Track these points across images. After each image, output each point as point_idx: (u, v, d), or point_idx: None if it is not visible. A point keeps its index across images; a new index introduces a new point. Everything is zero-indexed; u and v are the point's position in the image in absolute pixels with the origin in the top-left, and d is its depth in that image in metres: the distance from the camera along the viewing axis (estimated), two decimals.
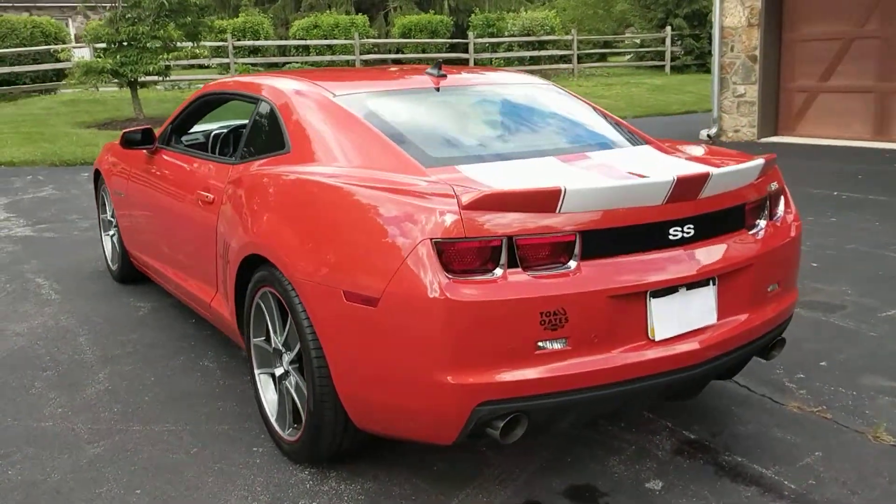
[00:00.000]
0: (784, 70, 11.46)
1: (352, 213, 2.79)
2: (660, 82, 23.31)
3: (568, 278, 2.55)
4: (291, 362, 3.11)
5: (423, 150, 3.07)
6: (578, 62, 25.38)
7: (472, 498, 2.93)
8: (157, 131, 4.71)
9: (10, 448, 3.35)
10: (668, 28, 26.22)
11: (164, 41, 14.35)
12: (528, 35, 24.58)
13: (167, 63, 14.89)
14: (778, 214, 3.22)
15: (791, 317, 3.30)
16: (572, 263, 2.59)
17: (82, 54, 19.25)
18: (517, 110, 3.64)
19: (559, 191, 2.48)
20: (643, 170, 2.95)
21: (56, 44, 19.93)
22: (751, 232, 3.02)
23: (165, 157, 4.46)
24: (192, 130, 4.95)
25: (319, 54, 23.46)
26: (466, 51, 23.86)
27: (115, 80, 14.40)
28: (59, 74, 20.05)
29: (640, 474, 3.08)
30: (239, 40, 22.75)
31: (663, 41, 26.64)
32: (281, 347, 3.16)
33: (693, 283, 2.78)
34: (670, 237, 2.73)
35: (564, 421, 2.74)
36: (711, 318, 2.84)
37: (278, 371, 3.22)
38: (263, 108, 3.67)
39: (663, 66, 26.56)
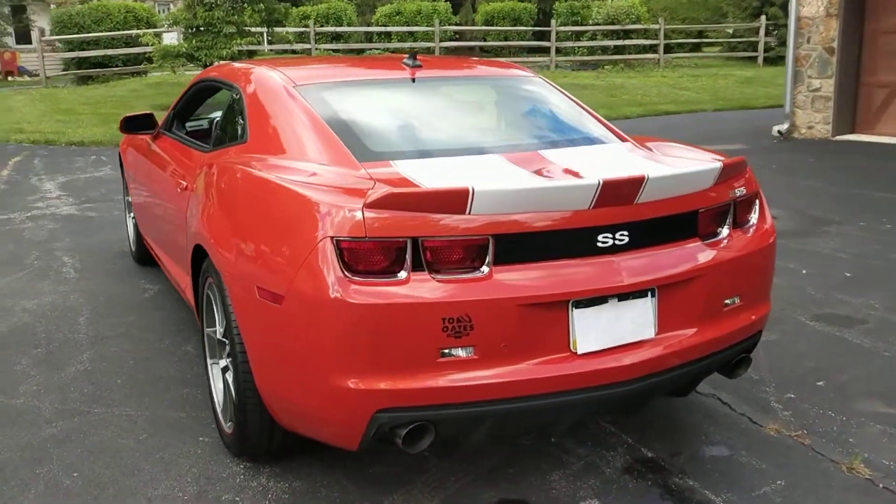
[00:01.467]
0: (864, 63, 10.77)
1: (268, 207, 2.73)
2: (750, 74, 22.36)
3: (475, 284, 2.42)
4: (228, 355, 3.08)
5: (365, 143, 2.98)
6: (667, 52, 24.62)
7: None
8: (163, 117, 4.77)
9: None
10: (763, 17, 25.12)
11: (238, 26, 14.65)
12: (613, 24, 23.98)
13: (241, 48, 15.18)
14: (749, 222, 2.99)
15: (759, 333, 3.06)
16: (485, 268, 2.45)
17: (172, 38, 19.90)
18: (484, 105, 3.50)
19: (466, 191, 2.35)
20: (587, 171, 2.77)
21: (147, 28, 20.66)
22: (707, 240, 2.80)
23: (163, 143, 4.51)
24: (201, 116, 5.00)
25: (401, 41, 23.53)
26: (548, 39, 23.47)
27: (191, 64, 14.79)
28: (150, 58, 20.78)
29: (578, 492, 2.92)
30: (322, 26, 23.04)
31: (757, 31, 25.55)
32: (224, 339, 3.14)
33: (626, 294, 2.60)
34: (599, 244, 2.55)
35: (479, 433, 2.61)
36: (649, 333, 2.65)
37: (221, 363, 3.20)
38: (234, 97, 3.66)
39: (756, 58, 25.49)
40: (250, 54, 20.74)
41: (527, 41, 24.63)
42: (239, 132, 3.45)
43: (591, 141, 3.27)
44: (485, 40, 25.14)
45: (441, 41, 23.01)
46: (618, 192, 2.51)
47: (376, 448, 2.64)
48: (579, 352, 2.55)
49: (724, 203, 2.85)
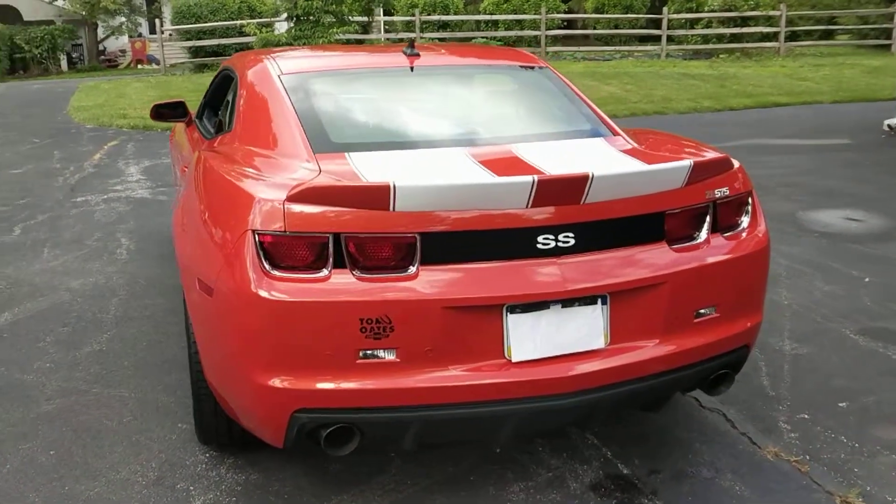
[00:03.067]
0: None
1: (211, 198, 2.71)
2: (879, 64, 20.83)
3: (396, 284, 2.31)
4: None
5: (330, 135, 2.90)
6: (791, 40, 23.29)
7: None
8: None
9: None
10: None
11: (336, 15, 14.86)
12: (730, 10, 22.89)
13: (339, 36, 15.40)
14: (736, 226, 2.73)
15: (745, 348, 2.80)
16: (412, 268, 2.33)
17: (283, 28, 20.45)
18: (472, 96, 3.35)
19: (388, 187, 2.23)
20: (548, 168, 2.59)
21: (260, 18, 21.30)
22: (676, 245, 2.58)
23: (191, 131, 4.59)
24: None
25: (508, 29, 23.29)
26: (660, 27, 22.67)
27: None
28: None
29: None
30: (429, 15, 23.10)
31: (891, 18, 23.79)
32: None
33: (571, 301, 2.42)
34: (539, 246, 2.38)
35: (410, 439, 2.49)
36: (598, 342, 2.46)
37: None
38: (233, 86, 3.66)
39: (889, 46, 23.74)
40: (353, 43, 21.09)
41: (638, 29, 23.86)
42: (228, 121, 3.45)
43: (574, 135, 3.07)
44: (595, 28, 24.54)
45: (548, 29, 22.62)
46: (558, 190, 2.33)
47: (311, 448, 2.58)
48: (514, 359, 2.39)
49: (698, 205, 2.61)
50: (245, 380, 2.41)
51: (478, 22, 24.09)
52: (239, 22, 18.94)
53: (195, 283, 2.63)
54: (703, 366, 2.66)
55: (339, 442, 2.41)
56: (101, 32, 29.00)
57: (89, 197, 7.63)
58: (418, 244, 2.32)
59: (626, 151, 2.89)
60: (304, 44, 14.71)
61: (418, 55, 3.46)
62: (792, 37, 23.53)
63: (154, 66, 26.23)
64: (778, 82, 17.65)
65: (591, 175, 2.31)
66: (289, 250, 2.32)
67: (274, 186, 2.42)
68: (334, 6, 14.69)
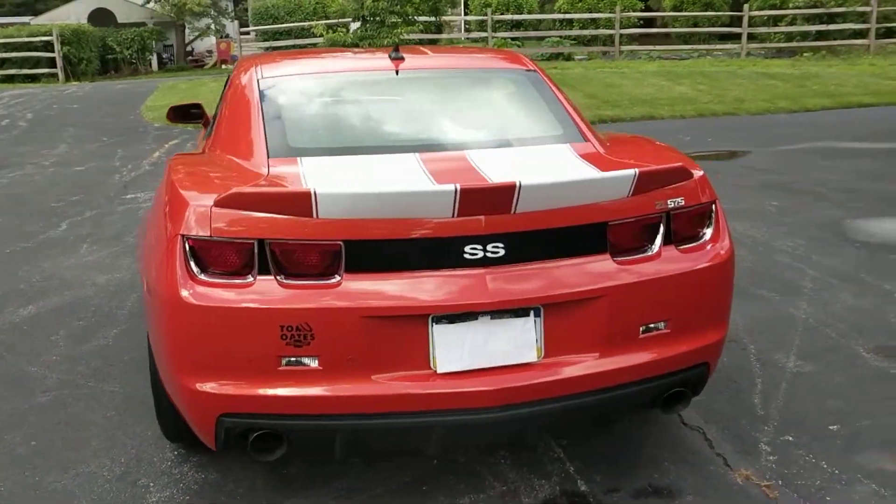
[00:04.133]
0: None
1: (160, 202, 2.76)
2: None
3: (318, 292, 2.30)
4: None
5: (289, 139, 2.92)
6: (885, 37, 22.20)
7: None
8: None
9: None
10: None
11: (402, 16, 14.96)
12: (816, 6, 21.97)
13: (405, 36, 15.48)
14: (696, 237, 2.62)
15: (703, 365, 2.67)
16: (336, 276, 2.32)
17: (356, 28, 20.70)
18: (444, 101, 3.30)
19: (309, 194, 2.22)
20: (495, 175, 2.53)
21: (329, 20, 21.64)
22: (620, 256, 2.48)
23: (203, 133, 4.69)
24: None
25: (583, 28, 22.98)
26: (741, 24, 21.96)
27: None
28: None
29: None
30: (502, 14, 23.00)
31: None
32: None
33: (501, 312, 2.36)
34: (466, 256, 2.33)
35: (339, 448, 2.48)
36: (530, 356, 2.40)
37: None
38: (223, 90, 3.72)
39: None
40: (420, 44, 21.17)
41: (718, 27, 23.16)
42: (212, 125, 3.51)
43: (540, 141, 2.99)
44: (673, 26, 23.95)
45: (624, 28, 22.21)
46: (484, 200, 2.28)
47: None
48: (440, 370, 2.35)
49: (646, 216, 2.50)
50: (177, 382, 2.44)
51: (552, 21, 23.84)
52: (308, 23, 19.26)
53: (143, 284, 2.69)
54: (653, 383, 2.55)
55: (266, 447, 2.42)
56: (188, 34, 30.00)
57: (139, 195, 7.90)
58: (343, 252, 2.31)
59: (586, 158, 2.80)
60: (370, 44, 14.87)
61: (402, 59, 3.44)
62: (886, 33, 22.43)
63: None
64: (863, 82, 16.85)
65: (517, 184, 2.25)
66: (215, 255, 2.34)
67: (210, 192, 2.44)
68: (399, 7, 14.78)
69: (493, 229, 2.32)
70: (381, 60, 3.45)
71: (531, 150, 2.90)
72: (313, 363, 2.31)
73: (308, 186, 2.24)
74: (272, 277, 2.32)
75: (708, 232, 2.65)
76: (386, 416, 2.35)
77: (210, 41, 31.18)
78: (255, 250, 2.31)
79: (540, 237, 2.38)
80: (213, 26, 29.58)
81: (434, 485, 2.92)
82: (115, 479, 3.01)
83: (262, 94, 3.16)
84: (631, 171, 2.40)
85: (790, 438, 3.16)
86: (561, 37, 22.59)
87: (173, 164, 2.93)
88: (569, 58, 21.98)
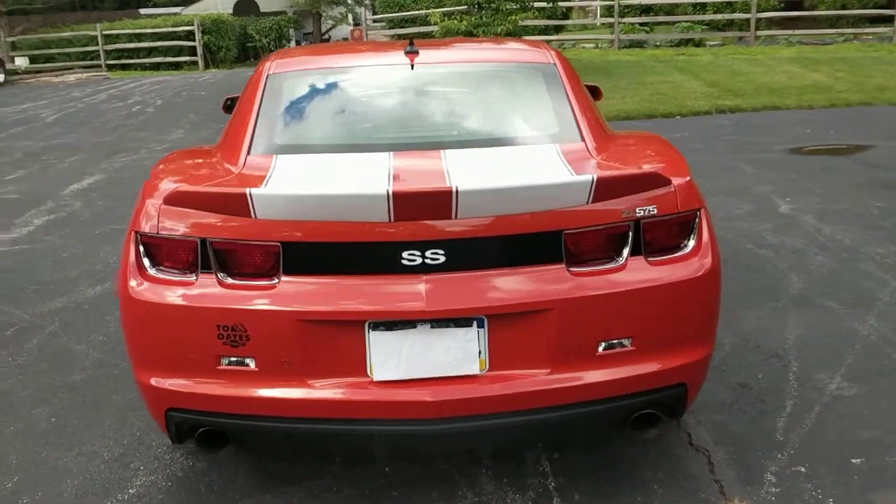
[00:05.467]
0: None
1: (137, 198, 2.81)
2: None
3: (254, 293, 2.29)
4: None
5: (275, 135, 2.92)
6: None
7: None
8: None
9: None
10: None
11: (519, 2, 14.78)
12: None
13: (523, 23, 15.29)
14: (672, 250, 2.42)
15: (679, 387, 2.47)
16: (275, 278, 2.30)
17: None
18: (441, 97, 3.18)
19: (244, 195, 2.21)
20: (460, 177, 2.42)
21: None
22: (576, 268, 2.33)
23: None
24: None
25: (717, 12, 21.91)
26: (893, 7, 20.28)
27: None
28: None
29: None
30: None
31: None
32: None
33: (442, 321, 2.27)
34: (404, 262, 2.25)
35: (285, 449, 2.47)
36: (472, 368, 2.29)
37: None
38: None
39: None
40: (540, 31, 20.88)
41: (868, 9, 21.48)
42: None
43: (528, 140, 2.84)
44: (816, 9, 22.43)
45: (762, 11, 21.01)
46: (421, 205, 2.19)
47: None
48: (376, 378, 2.29)
49: (610, 224, 2.33)
50: (134, 375, 2.50)
51: (686, 5, 22.87)
52: (424, 12, 19.37)
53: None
54: (615, 404, 2.39)
55: (212, 443, 2.44)
56: (324, 22, 30.89)
57: None
58: (281, 254, 2.28)
59: (569, 160, 2.63)
60: (484, 32, 14.79)
61: (417, 53, 3.36)
62: None
63: None
64: None
65: (454, 189, 2.15)
66: (163, 252, 2.38)
67: (167, 188, 2.47)
68: None
69: (433, 235, 2.23)
70: (393, 56, 3.39)
71: (514, 150, 2.76)
72: (251, 364, 2.31)
73: (247, 187, 2.22)
74: (213, 277, 2.33)
75: (688, 244, 2.44)
76: (321, 421, 2.31)
77: (347, 29, 32.01)
78: (199, 249, 2.32)
79: (485, 244, 2.27)
80: (344, 13, 30.33)
81: (406, 491, 2.86)
82: (112, 460, 3.13)
83: (264, 90, 3.18)
84: (587, 177, 2.24)
85: (802, 469, 2.88)
86: (693, 22, 21.64)
87: (163, 158, 2.99)
88: (700, 44, 21.04)
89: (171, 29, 23.66)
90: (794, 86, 13.74)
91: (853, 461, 2.92)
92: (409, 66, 3.26)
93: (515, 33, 15.63)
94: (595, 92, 4.95)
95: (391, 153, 2.71)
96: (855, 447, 3.01)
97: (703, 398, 3.39)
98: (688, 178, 2.47)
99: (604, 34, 22.85)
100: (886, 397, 3.35)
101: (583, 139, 2.85)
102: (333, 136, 2.95)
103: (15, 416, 3.51)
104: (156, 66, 23.31)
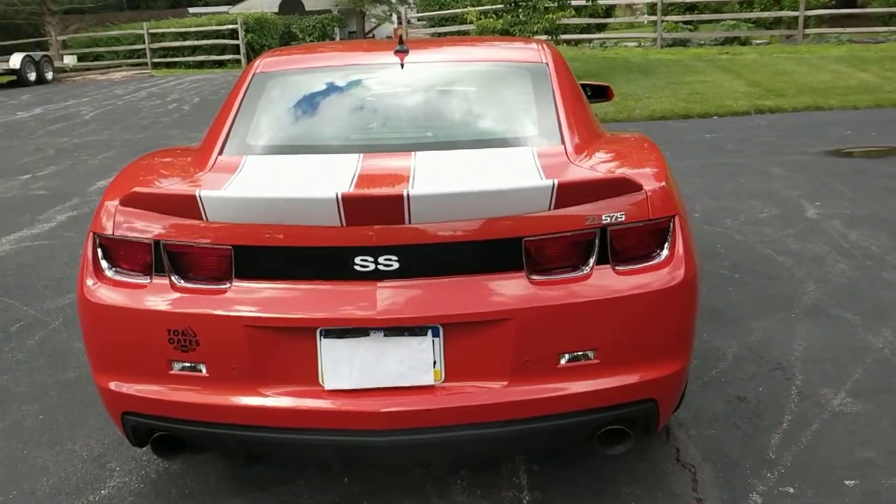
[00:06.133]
0: None
1: None
2: None
3: (204, 297, 2.24)
4: None
5: (249, 135, 2.88)
6: None
7: None
8: None
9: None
10: None
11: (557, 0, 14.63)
12: None
13: (561, 21, 15.11)
14: (642, 258, 2.31)
15: (647, 402, 2.36)
16: (226, 282, 2.25)
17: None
18: (423, 97, 3.10)
19: (194, 196, 2.17)
20: (423, 180, 2.36)
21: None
22: (536, 276, 2.23)
23: None
24: None
25: (763, 10, 21.42)
26: None
27: None
28: None
29: None
30: None
31: None
32: None
33: (395, 330, 2.19)
34: (357, 268, 2.18)
35: (240, 455, 2.42)
36: (426, 378, 2.22)
37: None
38: None
39: None
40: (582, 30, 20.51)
41: None
42: None
43: (503, 143, 2.74)
44: (866, 6, 21.78)
45: (810, 9, 20.46)
46: (373, 209, 2.12)
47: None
48: (327, 387, 2.23)
49: (573, 232, 2.23)
50: (93, 376, 2.48)
51: (731, 2, 22.42)
52: (461, 10, 19.28)
53: None
54: (578, 419, 2.29)
55: (168, 448, 2.41)
56: (367, 21, 31.03)
57: None
58: (233, 258, 2.23)
59: (543, 164, 2.53)
60: (521, 31, 14.67)
61: (407, 52, 3.29)
62: None
63: None
64: None
65: (405, 194, 2.07)
66: (119, 254, 2.35)
67: (125, 189, 2.44)
68: None
69: (385, 241, 2.16)
70: (382, 56, 3.33)
71: (488, 152, 2.67)
72: (203, 370, 2.27)
73: (193, 190, 2.18)
74: (167, 280, 2.29)
75: (661, 253, 2.32)
76: (272, 430, 2.25)
77: (391, 28, 32.12)
78: (154, 251, 2.29)
79: (441, 251, 2.19)
80: (392, 14, 30.42)
81: (377, 499, 2.79)
82: (90, 460, 3.12)
83: (247, 90, 3.14)
84: (548, 183, 2.15)
85: (790, 490, 2.74)
86: (738, 20, 21.18)
87: (139, 157, 2.97)
88: (745, 42, 20.59)
89: (215, 28, 23.99)
90: (839, 86, 13.33)
91: (846, 482, 2.77)
92: (399, 66, 3.20)
93: (553, 32, 15.49)
94: (605, 92, 4.82)
95: (361, 155, 2.64)
96: (850, 468, 2.85)
97: (697, 412, 3.27)
98: (662, 183, 2.36)
99: (646, 33, 22.50)
100: (890, 416, 3.18)
101: (563, 142, 2.74)
102: (306, 137, 2.89)
103: (4, 412, 3.54)
104: (200, 65, 23.65)
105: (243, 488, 2.89)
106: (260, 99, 3.08)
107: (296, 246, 2.20)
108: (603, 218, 2.23)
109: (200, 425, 2.31)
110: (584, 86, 4.81)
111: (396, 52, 3.26)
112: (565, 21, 20.29)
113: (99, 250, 2.38)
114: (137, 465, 3.07)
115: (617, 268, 2.27)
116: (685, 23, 21.44)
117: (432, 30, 22.14)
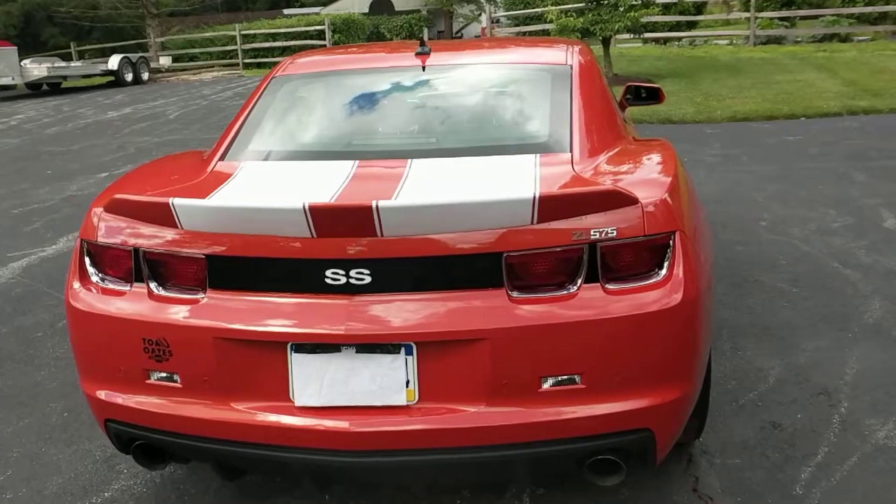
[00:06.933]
0: None
1: None
2: None
3: (178, 307, 2.20)
4: None
5: (252, 140, 2.86)
6: None
7: None
8: None
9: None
10: None
11: None
12: None
13: (645, 19, 14.71)
14: (637, 277, 2.15)
15: (643, 432, 2.18)
16: (200, 292, 2.21)
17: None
18: (433, 102, 2.99)
19: (167, 204, 2.13)
20: (412, 190, 2.26)
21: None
22: (519, 294, 2.10)
23: None
24: None
25: (869, 3, 20.31)
26: None
27: (587, 39, 14.82)
28: None
29: None
30: None
31: None
32: None
33: (367, 346, 2.10)
34: (328, 282, 2.10)
35: (219, 467, 2.37)
36: (398, 398, 2.11)
37: None
38: None
39: None
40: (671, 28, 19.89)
41: None
42: None
43: (508, 151, 2.60)
44: None
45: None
46: (343, 221, 2.03)
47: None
48: (297, 403, 2.15)
49: (560, 247, 2.08)
50: (80, 382, 2.48)
51: None
52: (540, 10, 19.00)
53: None
54: (563, 447, 2.14)
55: (149, 458, 2.39)
56: (455, 21, 31.05)
57: None
58: (207, 268, 2.19)
59: (545, 173, 2.39)
60: (602, 29, 14.35)
61: (428, 54, 3.19)
62: None
63: None
64: None
65: (374, 206, 1.97)
66: (104, 260, 2.34)
67: (110, 195, 2.43)
68: None
69: (358, 254, 2.07)
70: (404, 59, 3.25)
71: (489, 160, 2.54)
72: (176, 381, 2.23)
73: (166, 197, 2.14)
74: (145, 288, 2.26)
75: (659, 272, 2.15)
76: (243, 445, 2.19)
77: (478, 27, 32.05)
78: (133, 258, 2.27)
79: (416, 265, 2.08)
80: (480, 13, 30.33)
81: None
82: (102, 461, 3.15)
83: (262, 94, 3.13)
84: (528, 195, 2.01)
85: None
86: (840, 15, 20.18)
87: (152, 160, 2.98)
88: (846, 38, 19.60)
89: (303, 28, 24.45)
90: None
91: None
92: (420, 69, 3.11)
93: (636, 31, 15.10)
94: (656, 93, 4.61)
95: (356, 162, 2.56)
96: None
97: (725, 438, 3.05)
98: (663, 196, 2.18)
99: (739, 30, 21.71)
100: None
101: (571, 149, 2.59)
102: (307, 143, 2.84)
103: (33, 408, 3.62)
104: None
105: (243, 498, 2.85)
106: (271, 104, 3.05)
107: (268, 257, 2.13)
108: (592, 233, 2.08)
109: (176, 436, 2.27)
110: (632, 87, 4.62)
111: (418, 55, 3.17)
112: (652, 19, 19.81)
113: (86, 257, 2.37)
114: (141, 469, 3.07)
115: (607, 287, 2.11)
116: (781, 19, 20.56)
117: (516, 29, 21.95)
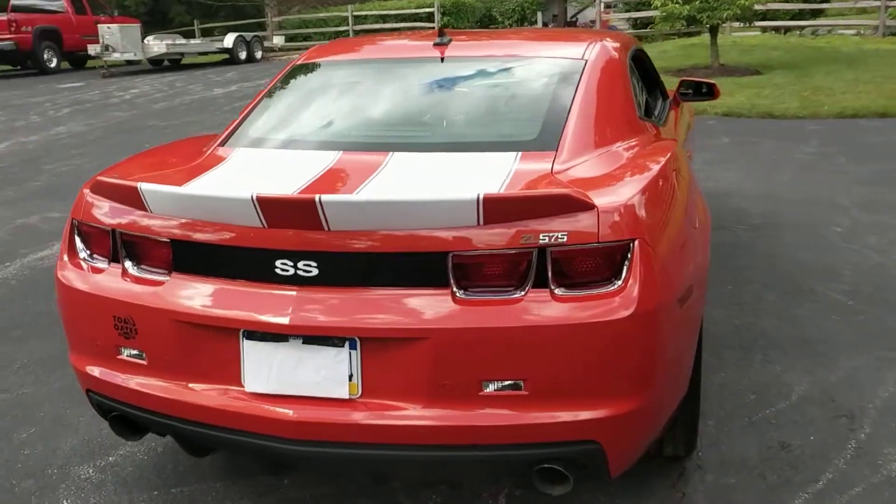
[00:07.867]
0: None
1: None
2: None
3: (144, 287, 2.29)
4: None
5: (255, 127, 2.92)
6: None
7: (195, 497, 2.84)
8: None
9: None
10: None
11: None
12: None
13: (751, 7, 14.03)
14: (590, 284, 2.07)
15: (590, 444, 2.11)
16: (166, 274, 2.29)
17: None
18: (437, 93, 2.95)
19: (135, 188, 2.21)
20: (382, 185, 2.28)
21: None
22: (462, 295, 2.06)
23: None
24: None
25: None
26: None
27: (692, 27, 14.28)
28: None
29: None
30: None
31: None
32: None
33: (314, 338, 2.12)
34: (278, 271, 2.13)
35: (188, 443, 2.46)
36: (341, 391, 2.13)
37: None
38: None
39: None
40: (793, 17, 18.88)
41: None
42: None
43: (492, 147, 2.55)
44: None
45: None
46: (290, 213, 2.05)
47: None
48: (247, 389, 2.20)
49: (507, 250, 2.03)
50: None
51: None
52: None
53: None
54: (503, 452, 2.10)
55: (125, 429, 2.50)
56: (571, 5, 30.52)
57: None
58: (171, 251, 2.26)
59: (517, 173, 2.34)
60: (708, 17, 13.81)
61: (446, 45, 3.17)
62: None
63: None
64: None
65: (317, 199, 1.99)
66: (88, 238, 2.46)
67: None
68: None
69: (306, 246, 2.09)
70: (416, 50, 3.25)
71: (469, 157, 2.50)
72: (142, 358, 2.32)
73: (135, 182, 2.22)
74: (120, 268, 2.36)
75: (616, 281, 2.06)
76: (199, 425, 2.27)
77: (593, 12, 31.40)
78: (111, 238, 2.37)
79: (362, 260, 2.08)
80: None
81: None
82: (97, 448, 3.22)
83: (281, 81, 3.22)
84: (472, 196, 1.98)
85: None
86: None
87: (161, 144, 3.09)
88: None
89: (413, 10, 24.62)
90: None
91: None
92: (428, 60, 3.12)
93: (747, 19, 14.46)
94: (711, 89, 4.42)
95: (341, 152, 2.59)
96: None
97: (725, 455, 2.92)
98: (624, 202, 2.09)
99: (868, 20, 20.42)
100: None
101: (558, 148, 2.52)
102: (300, 132, 2.87)
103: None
104: None
105: (230, 473, 2.94)
106: (283, 90, 3.11)
107: (225, 245, 2.18)
108: (541, 237, 2.02)
109: (142, 411, 2.37)
110: (686, 83, 4.44)
111: (436, 45, 3.16)
112: (773, 6, 18.90)
113: (76, 235, 2.50)
114: (149, 437, 3.20)
115: (556, 293, 2.05)
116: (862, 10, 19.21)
117: (626, 15, 21.40)
